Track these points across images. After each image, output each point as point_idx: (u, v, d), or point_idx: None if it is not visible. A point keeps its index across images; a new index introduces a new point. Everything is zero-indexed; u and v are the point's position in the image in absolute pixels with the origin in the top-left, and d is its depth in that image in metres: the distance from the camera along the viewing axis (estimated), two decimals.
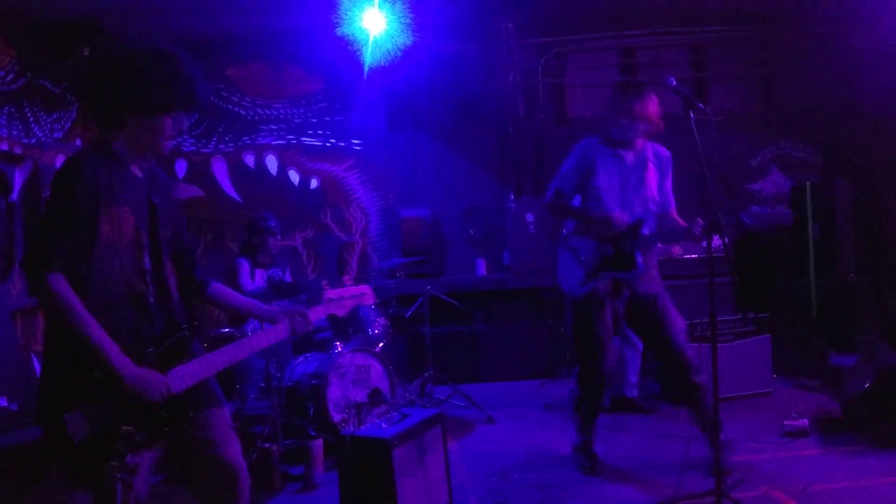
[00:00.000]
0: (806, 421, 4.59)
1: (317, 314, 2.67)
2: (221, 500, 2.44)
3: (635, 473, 4.10)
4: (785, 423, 4.62)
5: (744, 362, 5.56)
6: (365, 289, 2.85)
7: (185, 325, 2.38)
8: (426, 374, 5.75)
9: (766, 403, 5.41)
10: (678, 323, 4.00)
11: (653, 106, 3.92)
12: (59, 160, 6.10)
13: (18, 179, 5.86)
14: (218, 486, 2.42)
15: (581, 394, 4.20)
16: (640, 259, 3.88)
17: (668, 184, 4.12)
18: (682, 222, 4.00)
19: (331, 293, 2.74)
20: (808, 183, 6.74)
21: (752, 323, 5.64)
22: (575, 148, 4.11)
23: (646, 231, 3.88)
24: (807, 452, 4.29)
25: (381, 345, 5.30)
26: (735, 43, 7.58)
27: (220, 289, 2.68)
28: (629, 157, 4.02)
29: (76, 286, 2.17)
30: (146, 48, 2.31)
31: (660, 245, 4.29)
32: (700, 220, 3.67)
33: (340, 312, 2.77)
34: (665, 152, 4.14)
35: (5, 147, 5.57)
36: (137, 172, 2.38)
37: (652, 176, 4.03)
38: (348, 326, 5.26)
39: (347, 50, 6.71)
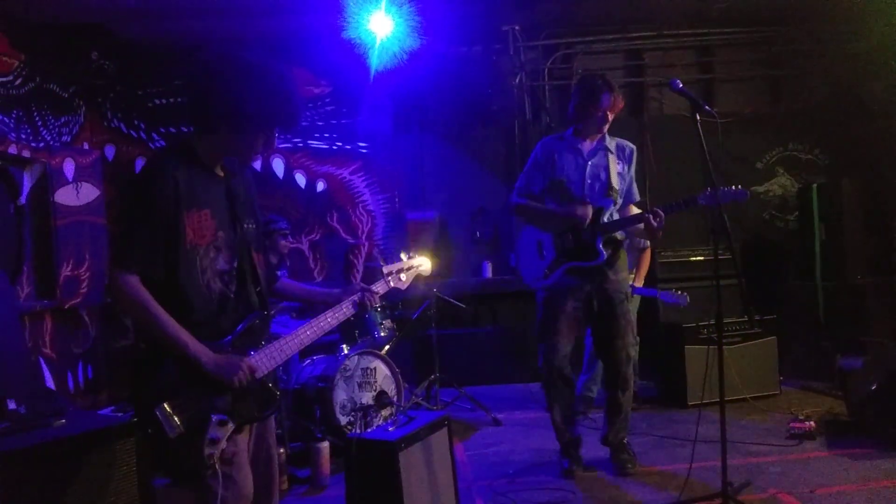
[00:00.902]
0: (813, 423, 4.58)
1: (381, 287, 2.76)
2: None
3: (641, 476, 4.09)
4: (792, 425, 4.61)
5: (751, 364, 5.54)
6: (422, 259, 2.91)
7: (264, 313, 2.41)
8: (432, 376, 5.76)
9: (773, 405, 5.40)
10: (628, 336, 4.10)
11: (619, 101, 4.01)
12: (67, 164, 6.14)
13: (27, 183, 5.90)
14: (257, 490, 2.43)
15: (546, 393, 4.27)
16: (601, 247, 3.94)
17: (631, 176, 4.18)
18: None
19: (388, 267, 2.80)
20: (814, 184, 6.73)
21: (758, 325, 5.63)
22: (535, 147, 4.23)
23: (605, 219, 3.96)
24: (814, 455, 4.28)
25: (387, 347, 5.31)
26: (742, 45, 7.56)
27: (287, 283, 2.76)
28: (586, 147, 4.10)
29: (159, 287, 2.18)
30: (258, 64, 2.27)
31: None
32: (659, 210, 3.77)
33: (402, 286, 2.82)
34: (629, 145, 4.19)
35: (14, 150, 5.60)
36: (219, 172, 2.39)
37: (613, 166, 4.07)
38: (354, 329, 5.26)
39: (354, 53, 6.73)
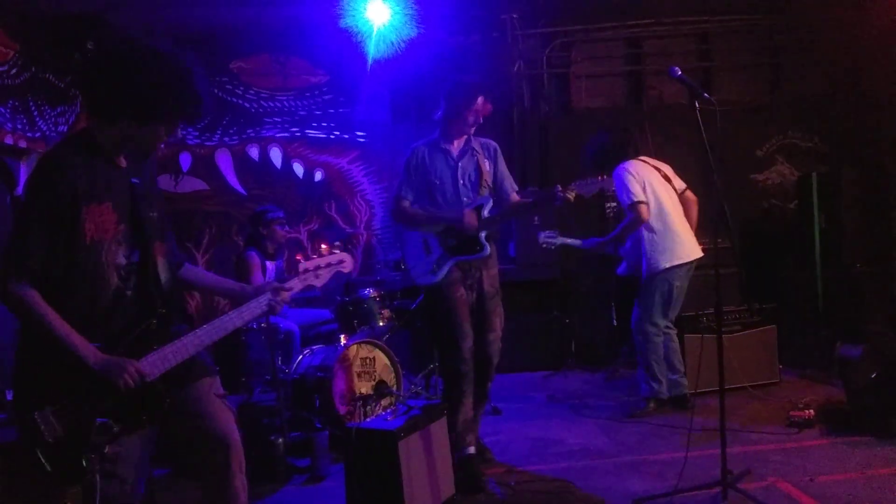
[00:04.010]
0: (812, 411, 4.58)
1: (293, 286, 2.59)
2: (217, 474, 2.39)
3: (641, 464, 4.10)
4: (791, 413, 4.62)
5: (750, 353, 5.54)
6: (343, 256, 2.75)
7: (160, 312, 2.33)
8: (431, 365, 5.75)
9: (773, 394, 5.40)
10: (498, 329, 4.18)
11: (488, 105, 4.13)
12: None
13: (23, 173, 5.88)
14: (210, 459, 2.39)
15: (447, 386, 4.14)
16: (484, 240, 4.05)
17: (504, 171, 4.33)
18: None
19: (305, 264, 2.65)
20: (814, 173, 6.71)
21: (758, 313, 5.62)
22: (406, 155, 4.26)
23: (485, 213, 4.05)
24: (813, 443, 4.28)
25: (386, 337, 5.30)
26: (741, 32, 7.53)
27: (191, 270, 2.67)
28: (454, 148, 4.21)
29: (52, 280, 2.15)
30: (156, 53, 2.21)
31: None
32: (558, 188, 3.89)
33: (318, 283, 2.70)
34: (492, 143, 4.34)
35: (10, 141, 5.58)
36: (121, 163, 2.34)
37: (482, 164, 4.21)
38: (353, 318, 5.26)
39: (351, 42, 6.71)
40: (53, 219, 2.13)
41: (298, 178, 7.52)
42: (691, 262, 5.04)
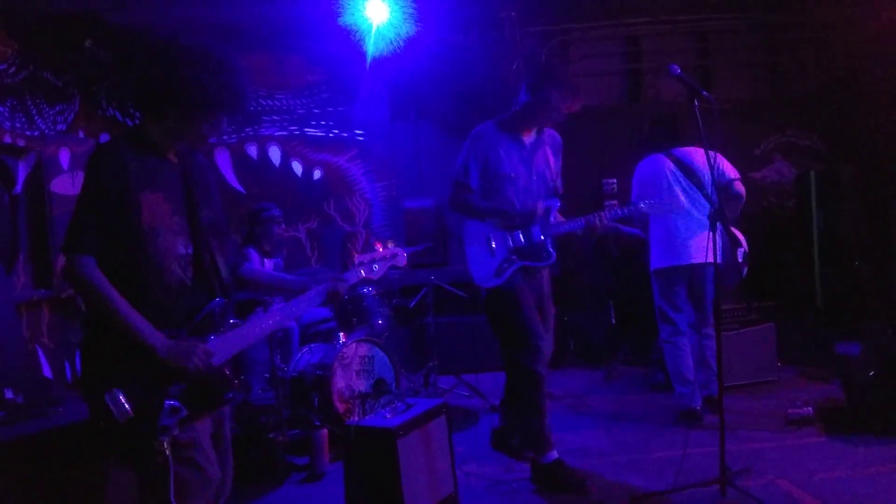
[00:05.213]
0: (811, 409, 4.58)
1: (350, 277, 2.69)
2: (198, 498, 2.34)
3: (640, 462, 4.10)
4: (790, 411, 4.62)
5: (749, 350, 5.54)
6: (397, 250, 2.83)
7: (221, 300, 2.37)
8: (430, 363, 5.76)
9: (771, 392, 5.41)
10: (552, 328, 4.08)
11: (577, 101, 3.82)
12: (63, 153, 6.11)
13: (22, 172, 5.87)
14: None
15: (518, 391, 3.87)
16: (551, 247, 3.83)
17: (559, 168, 4.08)
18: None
19: (360, 257, 2.74)
20: (812, 171, 6.72)
21: (756, 311, 5.63)
22: (470, 136, 3.93)
23: (552, 218, 3.85)
24: (812, 441, 4.29)
25: (385, 335, 5.30)
26: (740, 30, 7.53)
27: (252, 268, 2.74)
28: (528, 139, 3.93)
29: (113, 269, 2.17)
30: (201, 51, 2.28)
31: None
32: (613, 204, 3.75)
33: (373, 276, 2.77)
34: (558, 136, 4.07)
35: (8, 140, 5.57)
36: (173, 158, 2.38)
37: (551, 159, 3.98)
38: (352, 317, 5.25)
39: (350, 40, 6.69)
40: (105, 202, 2.17)
41: (297, 176, 7.52)
42: (677, 267, 4.79)
